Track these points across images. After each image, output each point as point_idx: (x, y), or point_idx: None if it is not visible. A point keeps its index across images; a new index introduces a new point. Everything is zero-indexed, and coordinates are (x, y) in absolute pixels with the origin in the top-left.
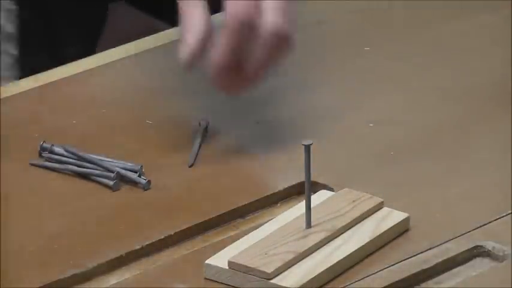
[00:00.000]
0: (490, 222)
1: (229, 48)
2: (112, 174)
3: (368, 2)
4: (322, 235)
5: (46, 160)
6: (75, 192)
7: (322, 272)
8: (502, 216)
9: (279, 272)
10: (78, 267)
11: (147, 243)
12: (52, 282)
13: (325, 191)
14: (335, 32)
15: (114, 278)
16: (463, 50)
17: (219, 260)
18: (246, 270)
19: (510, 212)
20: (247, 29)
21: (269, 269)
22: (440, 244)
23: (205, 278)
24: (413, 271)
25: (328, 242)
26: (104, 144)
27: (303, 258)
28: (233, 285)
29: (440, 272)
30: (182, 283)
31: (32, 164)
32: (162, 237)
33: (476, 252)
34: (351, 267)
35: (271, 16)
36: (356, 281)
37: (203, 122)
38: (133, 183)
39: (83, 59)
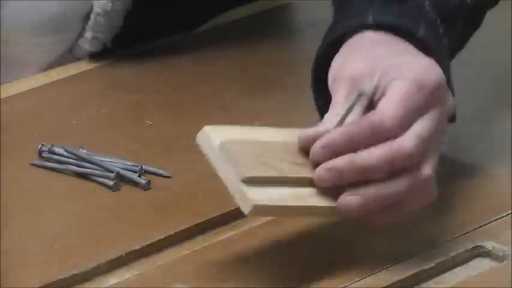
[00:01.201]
0: (490, 222)
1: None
2: (112, 174)
3: None
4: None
5: (46, 160)
6: (75, 192)
7: (291, 207)
8: (502, 216)
9: (254, 181)
10: (78, 267)
11: (147, 243)
12: (52, 282)
13: None
14: None
15: (114, 278)
16: (463, 49)
17: (217, 134)
18: (232, 160)
19: (510, 212)
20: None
21: (249, 173)
22: (441, 244)
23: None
24: (413, 271)
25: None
26: (104, 144)
27: (285, 183)
28: (213, 165)
29: (440, 272)
30: (182, 283)
31: (32, 164)
32: (162, 237)
33: (476, 252)
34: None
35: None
36: (356, 281)
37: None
38: (134, 183)
39: (82, 60)
